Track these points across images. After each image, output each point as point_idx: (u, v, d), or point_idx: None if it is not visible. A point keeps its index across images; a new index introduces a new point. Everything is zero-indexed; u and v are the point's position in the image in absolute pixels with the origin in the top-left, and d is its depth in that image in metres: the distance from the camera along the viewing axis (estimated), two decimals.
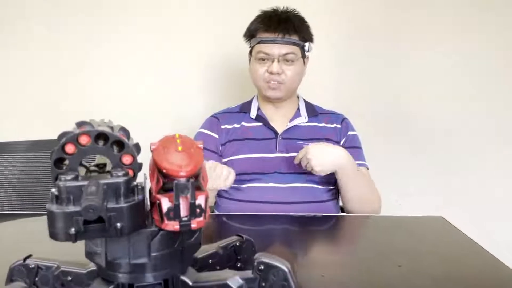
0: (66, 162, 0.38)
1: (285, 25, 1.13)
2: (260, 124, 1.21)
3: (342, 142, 1.21)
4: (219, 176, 1.00)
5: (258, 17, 1.18)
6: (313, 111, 1.25)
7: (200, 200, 0.39)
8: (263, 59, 1.15)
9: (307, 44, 1.17)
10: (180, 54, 1.67)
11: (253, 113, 1.22)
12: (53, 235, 0.36)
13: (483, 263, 0.73)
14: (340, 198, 1.20)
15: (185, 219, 0.39)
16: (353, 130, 1.25)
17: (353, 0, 1.65)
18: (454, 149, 1.69)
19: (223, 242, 0.56)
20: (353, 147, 1.21)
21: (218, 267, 0.53)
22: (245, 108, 1.25)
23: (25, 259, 0.50)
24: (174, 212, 0.39)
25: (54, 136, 0.38)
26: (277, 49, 1.12)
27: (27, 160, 1.16)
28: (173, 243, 0.43)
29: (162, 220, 0.39)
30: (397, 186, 1.67)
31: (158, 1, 1.64)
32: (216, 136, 1.20)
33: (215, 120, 1.24)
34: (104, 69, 1.66)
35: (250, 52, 1.22)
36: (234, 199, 1.14)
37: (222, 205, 1.17)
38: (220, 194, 1.18)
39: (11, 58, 1.64)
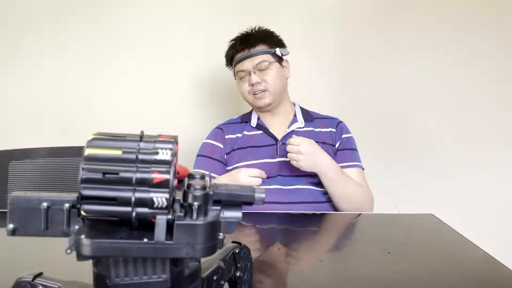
0: None
1: (247, 42, 1.25)
2: (260, 132, 1.28)
3: (337, 145, 1.26)
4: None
5: (229, 44, 1.30)
6: (309, 116, 1.31)
7: None
8: (243, 77, 1.25)
9: (277, 49, 1.24)
10: (177, 61, 1.70)
11: (254, 122, 1.30)
12: None
13: (466, 249, 0.79)
14: None
15: None
16: (347, 132, 1.29)
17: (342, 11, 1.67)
18: (447, 152, 1.70)
19: (222, 253, 0.51)
20: (348, 149, 1.25)
21: (222, 282, 0.49)
22: (245, 118, 1.34)
23: (34, 277, 0.46)
24: None
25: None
26: (248, 63, 1.23)
27: (46, 165, 1.23)
28: None
29: None
30: (393, 191, 1.67)
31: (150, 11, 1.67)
32: (221, 146, 1.28)
33: (219, 131, 1.32)
34: (107, 77, 1.70)
35: (235, 76, 1.31)
36: None
37: None
38: None
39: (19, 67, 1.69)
